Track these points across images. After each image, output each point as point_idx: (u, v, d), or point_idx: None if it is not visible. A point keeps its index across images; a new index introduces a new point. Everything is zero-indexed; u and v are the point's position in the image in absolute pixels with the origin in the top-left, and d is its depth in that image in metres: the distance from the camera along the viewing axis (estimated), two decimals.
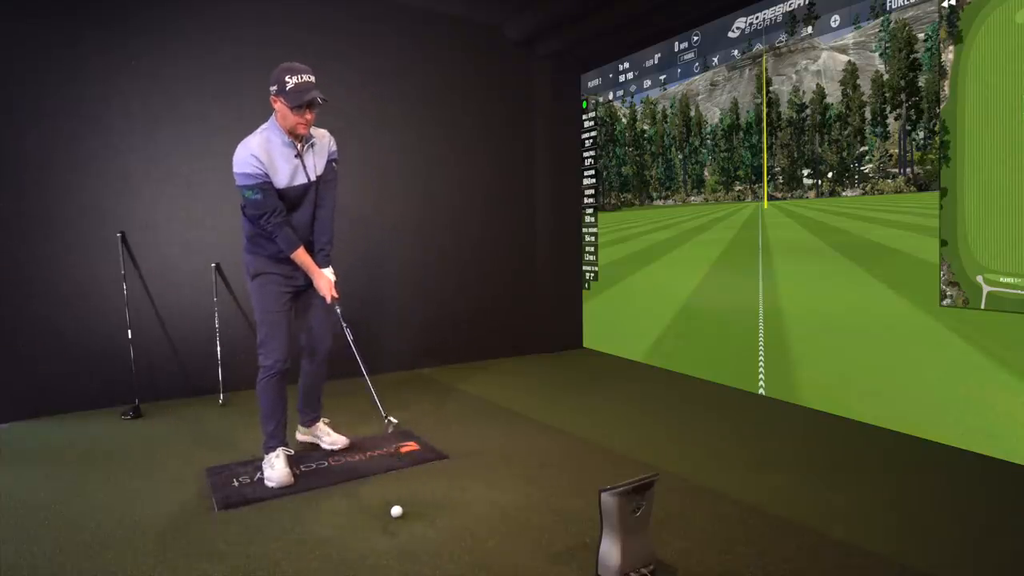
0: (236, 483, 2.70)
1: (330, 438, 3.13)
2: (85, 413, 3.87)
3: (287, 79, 2.57)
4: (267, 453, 2.77)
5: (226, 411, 3.93)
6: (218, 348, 4.19)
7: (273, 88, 2.60)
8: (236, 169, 2.63)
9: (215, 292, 4.21)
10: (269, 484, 2.66)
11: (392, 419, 2.74)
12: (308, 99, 2.56)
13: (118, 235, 3.96)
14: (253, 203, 2.66)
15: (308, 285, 2.89)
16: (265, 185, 2.64)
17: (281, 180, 2.69)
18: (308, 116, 2.64)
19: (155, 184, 4.10)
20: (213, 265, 4.23)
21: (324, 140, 2.85)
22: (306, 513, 2.43)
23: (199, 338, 4.22)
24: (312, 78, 2.61)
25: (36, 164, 3.76)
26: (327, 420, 3.22)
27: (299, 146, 2.72)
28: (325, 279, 2.83)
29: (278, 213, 2.68)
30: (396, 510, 2.36)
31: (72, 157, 3.85)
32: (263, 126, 2.71)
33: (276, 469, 2.68)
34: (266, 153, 2.64)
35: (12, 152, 3.70)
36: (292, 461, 2.81)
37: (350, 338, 2.86)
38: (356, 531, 2.27)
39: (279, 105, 2.62)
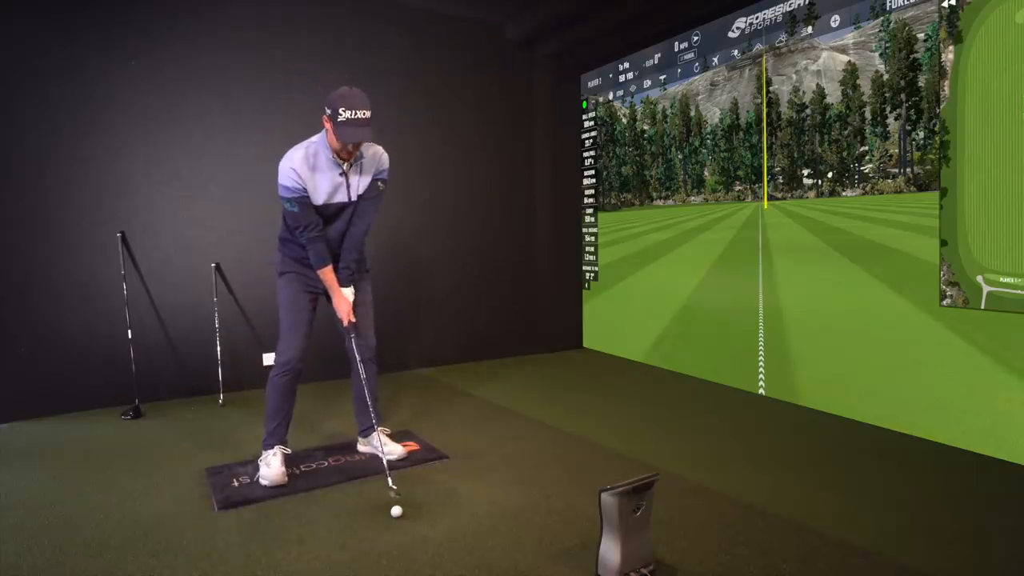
0: (236, 483, 2.70)
1: (387, 448, 2.98)
2: (85, 413, 3.87)
3: (341, 111, 2.49)
4: (265, 451, 2.77)
5: (226, 411, 3.93)
6: (218, 348, 4.19)
7: (327, 111, 2.54)
8: (279, 180, 2.63)
9: (215, 292, 4.22)
10: (263, 482, 2.66)
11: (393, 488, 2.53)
12: (351, 140, 2.53)
13: (118, 235, 3.96)
14: (291, 215, 2.67)
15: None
16: (303, 200, 2.63)
17: (319, 197, 2.67)
18: (351, 149, 2.61)
19: (155, 184, 4.10)
20: (213, 265, 4.23)
21: (375, 158, 2.78)
22: (306, 513, 2.43)
23: (199, 338, 4.23)
24: (366, 114, 2.54)
25: (36, 164, 3.76)
26: (386, 430, 3.10)
27: (345, 164, 2.68)
28: (345, 302, 2.79)
29: (313, 227, 2.67)
30: (396, 510, 2.36)
31: (72, 157, 3.85)
32: (313, 138, 2.67)
33: (271, 468, 2.68)
34: (308, 168, 2.61)
35: (12, 152, 3.70)
36: (289, 460, 2.81)
37: (362, 374, 2.86)
38: (356, 531, 2.27)
39: (328, 127, 2.57)
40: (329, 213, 2.74)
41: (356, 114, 2.51)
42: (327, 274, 2.75)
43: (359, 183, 2.76)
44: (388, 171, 2.85)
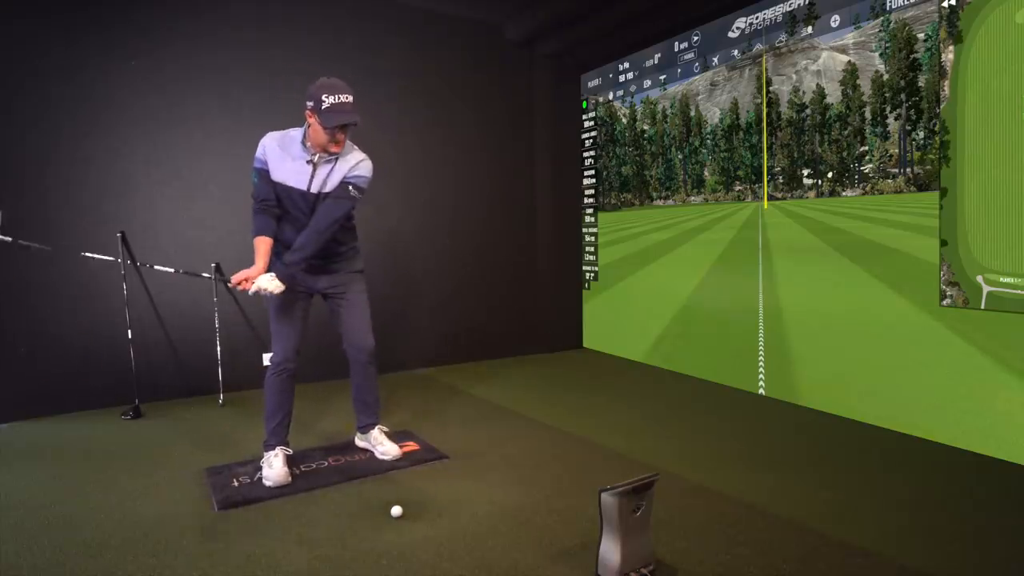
0: (236, 483, 2.70)
1: (383, 447, 3.00)
2: (85, 413, 3.87)
3: (324, 97, 2.51)
4: (266, 452, 2.78)
5: (226, 411, 3.93)
6: (218, 348, 4.19)
7: (309, 104, 2.56)
8: None
9: (215, 292, 4.22)
10: (266, 483, 2.67)
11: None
12: (339, 123, 2.53)
13: (118, 235, 3.96)
14: (254, 186, 2.73)
15: (333, 290, 2.88)
16: (262, 172, 2.69)
17: (277, 174, 2.69)
18: (340, 137, 2.61)
19: (155, 184, 4.10)
20: (213, 265, 4.23)
21: (352, 163, 2.74)
22: (306, 513, 2.43)
23: (199, 338, 4.23)
24: (350, 98, 2.56)
25: (36, 164, 3.76)
26: (385, 428, 3.11)
27: (316, 156, 2.68)
28: (256, 271, 2.61)
29: (262, 200, 2.72)
30: (396, 510, 2.36)
31: (72, 157, 3.85)
32: (298, 127, 2.73)
33: (274, 468, 2.69)
34: (278, 147, 2.67)
35: (12, 152, 3.70)
36: (291, 461, 2.81)
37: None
38: (356, 531, 2.27)
39: (313, 121, 2.58)
40: (287, 197, 2.71)
41: (339, 98, 2.54)
42: (259, 243, 2.68)
43: (326, 179, 2.71)
44: (365, 179, 2.75)
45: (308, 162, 2.69)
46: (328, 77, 2.60)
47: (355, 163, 2.75)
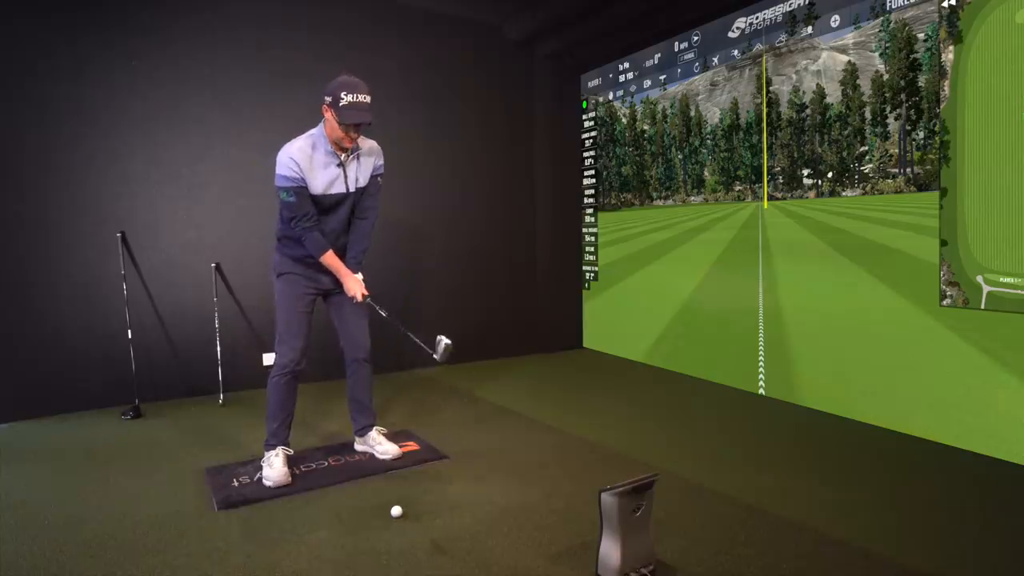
0: (236, 483, 2.70)
1: (382, 447, 3.01)
2: (85, 413, 3.87)
3: (343, 95, 2.55)
4: (267, 451, 2.77)
5: (226, 411, 3.93)
6: (218, 348, 4.19)
7: (327, 99, 2.59)
8: (277, 170, 2.64)
9: (215, 292, 4.22)
10: (267, 483, 2.66)
11: (443, 340, 2.90)
12: (353, 122, 2.58)
13: (118, 235, 3.96)
14: (287, 205, 2.68)
15: (337, 288, 2.89)
16: (299, 189, 2.65)
17: (317, 187, 2.69)
18: (353, 135, 2.65)
19: (155, 184, 4.10)
20: (213, 265, 4.23)
21: (371, 151, 2.85)
22: (306, 513, 2.43)
23: (199, 338, 4.23)
24: (367, 99, 2.60)
25: (36, 164, 3.76)
26: (382, 429, 3.13)
27: (343, 155, 2.72)
28: (354, 280, 2.82)
29: (308, 217, 2.69)
30: (396, 510, 2.37)
31: (72, 157, 3.85)
32: (312, 131, 2.71)
33: (274, 468, 2.69)
34: (307, 158, 2.64)
35: (12, 152, 3.70)
36: (291, 461, 2.81)
37: (385, 314, 2.87)
38: (356, 531, 2.27)
39: (329, 116, 2.61)
40: (328, 204, 2.75)
41: (357, 98, 2.57)
42: (330, 259, 2.76)
43: (357, 175, 2.80)
44: (383, 165, 2.92)
45: (338, 165, 2.72)
46: (349, 76, 2.61)
47: (376, 153, 2.87)
